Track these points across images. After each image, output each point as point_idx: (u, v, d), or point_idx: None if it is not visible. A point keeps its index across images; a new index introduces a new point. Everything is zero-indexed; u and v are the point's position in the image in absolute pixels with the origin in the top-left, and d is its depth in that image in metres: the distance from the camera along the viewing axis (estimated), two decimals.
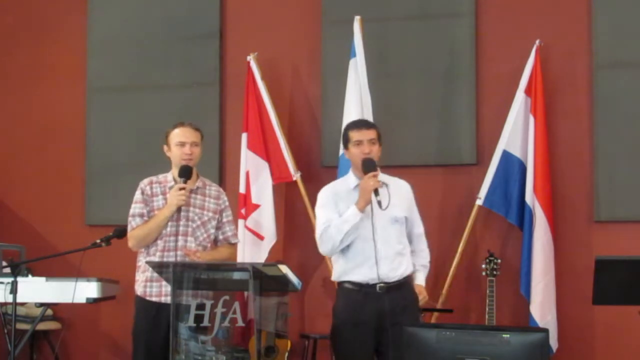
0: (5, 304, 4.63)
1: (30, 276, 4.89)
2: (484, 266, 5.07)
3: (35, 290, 4.79)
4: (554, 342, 4.98)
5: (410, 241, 4.14)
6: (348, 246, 3.99)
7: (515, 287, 5.11)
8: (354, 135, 4.05)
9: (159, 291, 4.19)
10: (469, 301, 5.36)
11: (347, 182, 4.12)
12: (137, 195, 4.29)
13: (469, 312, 5.35)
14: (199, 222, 4.26)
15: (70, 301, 4.66)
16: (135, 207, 4.27)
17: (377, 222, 3.95)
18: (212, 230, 4.31)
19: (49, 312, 5.65)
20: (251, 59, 5.62)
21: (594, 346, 5.17)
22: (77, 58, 6.24)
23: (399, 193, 4.06)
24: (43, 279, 4.84)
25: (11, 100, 6.40)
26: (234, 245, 4.46)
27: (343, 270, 4.05)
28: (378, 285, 3.93)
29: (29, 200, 6.27)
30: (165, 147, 4.33)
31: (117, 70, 6.14)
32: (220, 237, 4.38)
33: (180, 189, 4.15)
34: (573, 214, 5.24)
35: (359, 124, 4.14)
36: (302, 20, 5.84)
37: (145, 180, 4.33)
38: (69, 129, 6.23)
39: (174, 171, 4.32)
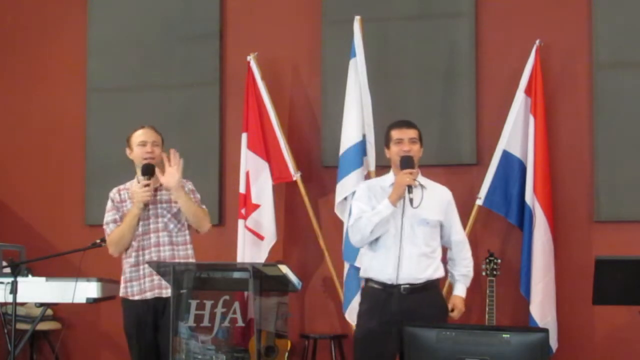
0: (5, 304, 4.64)
1: (30, 276, 4.89)
2: (484, 266, 5.06)
3: (35, 290, 4.79)
4: (554, 342, 4.98)
5: (450, 248, 4.15)
6: (376, 240, 4.01)
7: (515, 287, 5.11)
8: (395, 133, 4.09)
9: (140, 289, 4.27)
10: (469, 301, 5.33)
11: (385, 179, 4.17)
12: (108, 204, 4.38)
13: (469, 312, 5.33)
14: (169, 216, 4.31)
15: (70, 301, 4.66)
16: (108, 216, 4.36)
17: (407, 220, 3.96)
18: (184, 220, 4.35)
19: (49, 312, 5.65)
20: (251, 59, 5.61)
21: (594, 346, 5.17)
22: (77, 58, 6.24)
23: (434, 196, 4.07)
24: (43, 279, 4.84)
25: (11, 101, 6.40)
26: (204, 209, 4.40)
27: (369, 266, 4.07)
28: (402, 287, 3.93)
29: (29, 200, 6.28)
30: (127, 151, 4.40)
31: (117, 70, 6.14)
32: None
33: (144, 185, 4.21)
34: (573, 214, 5.23)
35: (401, 123, 4.17)
36: (302, 20, 5.84)
37: (114, 190, 4.42)
38: (69, 129, 6.23)
39: (139, 174, 4.35)
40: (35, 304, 4.94)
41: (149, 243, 4.27)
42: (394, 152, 4.08)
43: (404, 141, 4.06)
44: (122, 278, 4.33)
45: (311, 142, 5.75)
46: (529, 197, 5.05)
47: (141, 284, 4.25)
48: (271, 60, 5.77)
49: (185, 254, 4.33)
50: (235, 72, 5.85)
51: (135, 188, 4.26)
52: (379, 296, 3.99)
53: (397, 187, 3.92)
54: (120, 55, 6.14)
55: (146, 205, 4.25)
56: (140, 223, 4.27)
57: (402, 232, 3.95)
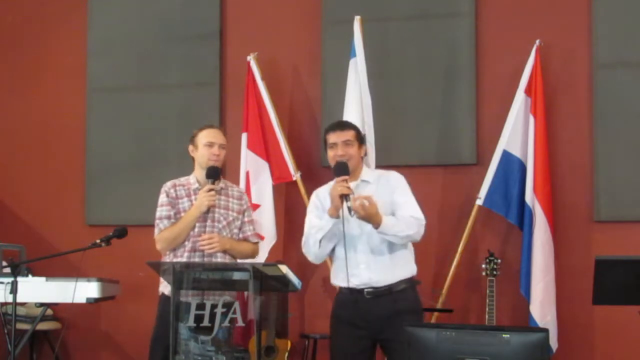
0: (5, 304, 4.64)
1: (30, 276, 4.90)
2: (484, 266, 5.06)
3: (35, 290, 4.80)
4: (554, 342, 4.98)
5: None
6: (333, 250, 3.98)
7: (515, 287, 5.11)
8: (329, 137, 4.00)
9: (187, 291, 4.21)
10: (469, 301, 5.36)
11: (332, 185, 4.05)
12: (163, 198, 4.32)
13: (469, 312, 5.35)
14: (224, 223, 4.30)
15: (70, 301, 4.66)
16: (162, 210, 4.30)
17: (350, 228, 3.86)
18: (236, 230, 4.36)
19: (49, 312, 5.65)
20: (251, 59, 5.62)
21: (594, 346, 5.17)
22: (77, 58, 6.24)
23: (379, 188, 3.95)
24: (43, 279, 4.85)
25: (11, 100, 6.40)
26: (255, 244, 4.47)
27: (332, 275, 4.06)
28: (365, 291, 3.88)
29: (29, 200, 6.28)
30: (190, 147, 4.36)
31: (117, 70, 6.14)
32: (240, 236, 4.41)
33: (210, 189, 4.19)
34: (573, 214, 5.23)
35: (335, 126, 4.06)
36: (302, 20, 5.84)
37: (169, 183, 4.37)
38: (69, 129, 6.23)
39: (197, 172, 4.36)
40: (35, 304, 4.94)
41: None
42: (330, 158, 3.98)
43: (337, 145, 3.95)
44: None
45: (311, 142, 5.75)
46: (529, 197, 5.05)
47: None
48: (271, 60, 5.77)
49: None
50: (235, 72, 5.84)
51: (201, 192, 4.21)
52: (346, 301, 3.94)
53: (332, 199, 3.81)
54: (120, 55, 6.14)
55: (207, 209, 4.22)
56: (197, 224, 4.24)
57: (350, 239, 3.85)
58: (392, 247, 3.92)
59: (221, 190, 4.33)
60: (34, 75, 6.36)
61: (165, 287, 4.26)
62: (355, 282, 3.89)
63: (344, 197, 3.75)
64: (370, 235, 3.88)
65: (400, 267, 3.94)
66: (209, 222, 4.27)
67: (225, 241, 4.26)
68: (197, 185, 4.34)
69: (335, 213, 3.82)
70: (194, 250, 4.24)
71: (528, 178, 5.08)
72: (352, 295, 3.91)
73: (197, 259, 4.21)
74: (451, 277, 5.18)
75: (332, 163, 3.96)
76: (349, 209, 3.73)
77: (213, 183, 4.24)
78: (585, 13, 5.29)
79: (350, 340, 3.91)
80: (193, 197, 4.29)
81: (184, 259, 4.22)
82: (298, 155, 5.60)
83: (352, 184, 3.86)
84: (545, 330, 3.26)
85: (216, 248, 4.21)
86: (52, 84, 6.32)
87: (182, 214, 4.27)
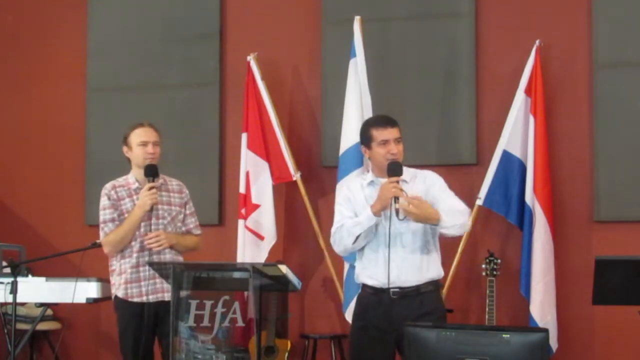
0: (5, 304, 4.64)
1: (30, 276, 4.90)
2: (484, 266, 5.07)
3: (35, 290, 4.80)
4: (554, 342, 4.98)
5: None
6: (363, 248, 3.86)
7: (515, 287, 5.11)
8: (379, 134, 3.83)
9: (140, 291, 4.25)
10: (469, 301, 5.36)
11: (365, 177, 4.01)
12: (104, 201, 4.32)
13: (469, 312, 5.35)
14: (169, 218, 4.32)
15: (70, 301, 4.67)
16: (105, 214, 4.31)
17: (394, 228, 3.76)
18: (179, 224, 4.38)
19: (49, 312, 5.65)
20: (251, 59, 5.61)
21: (594, 346, 5.17)
22: (77, 58, 6.24)
23: (415, 188, 3.84)
24: (43, 279, 4.85)
25: (11, 100, 6.40)
26: (198, 236, 4.48)
27: (359, 272, 3.94)
28: (391, 290, 3.77)
29: (29, 200, 6.28)
30: (125, 149, 4.37)
31: (117, 70, 6.14)
32: (183, 229, 4.42)
33: (151, 187, 4.19)
34: (573, 214, 5.23)
35: (384, 122, 3.89)
36: (302, 20, 5.84)
37: (108, 185, 4.37)
38: (69, 129, 6.23)
39: (135, 171, 4.36)
40: (35, 304, 4.95)
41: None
42: (380, 155, 3.82)
43: (390, 142, 3.82)
44: (119, 279, 4.28)
45: (311, 142, 5.75)
46: (529, 197, 5.05)
47: (141, 287, 4.23)
48: (271, 60, 5.77)
49: (179, 258, 4.35)
50: (235, 72, 5.84)
51: (142, 191, 4.21)
52: (370, 300, 3.85)
53: (381, 199, 3.70)
54: (120, 55, 6.14)
55: (151, 208, 4.23)
56: (142, 223, 4.25)
57: (390, 239, 3.76)
58: (423, 248, 3.83)
59: (161, 186, 4.33)
60: (33, 75, 6.36)
61: (117, 289, 4.29)
62: (383, 281, 3.80)
63: (394, 198, 3.67)
64: (404, 235, 3.79)
65: (429, 269, 3.85)
66: (153, 220, 4.26)
67: (172, 237, 4.28)
68: (137, 184, 4.33)
69: (379, 212, 3.72)
70: (142, 250, 4.24)
71: (528, 178, 5.08)
72: (377, 295, 3.82)
73: (146, 258, 4.21)
74: (451, 277, 5.17)
75: (381, 160, 3.82)
76: (397, 212, 3.66)
77: (153, 181, 4.23)
78: (585, 13, 5.29)
79: (372, 341, 3.83)
80: (135, 197, 4.29)
81: (134, 260, 4.23)
82: (298, 155, 5.60)
83: None
84: (545, 330, 3.26)
85: (164, 245, 4.22)
86: (52, 84, 6.31)
87: (126, 215, 4.26)
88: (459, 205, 3.88)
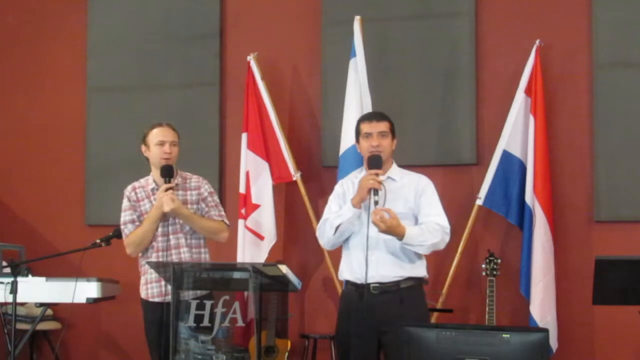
0: (5, 304, 4.64)
1: (30, 276, 4.89)
2: (484, 266, 5.07)
3: (35, 290, 4.80)
4: (554, 342, 4.98)
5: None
6: (347, 242, 3.94)
7: (515, 287, 5.11)
8: (364, 127, 3.96)
9: (160, 291, 4.27)
10: (469, 301, 5.36)
11: (357, 174, 4.08)
12: (125, 203, 4.36)
13: (469, 312, 5.35)
14: None
15: (70, 301, 4.67)
16: (125, 215, 4.34)
17: (366, 222, 3.81)
18: None
19: (49, 312, 5.65)
20: (251, 59, 5.62)
21: (594, 346, 5.17)
22: (77, 58, 6.24)
23: (403, 187, 3.92)
24: (43, 279, 4.85)
25: (11, 100, 6.40)
26: (220, 222, 4.39)
27: (342, 268, 4.02)
28: (372, 286, 3.83)
29: (29, 200, 6.28)
30: (143, 148, 4.38)
31: (117, 70, 6.14)
32: None
33: (167, 189, 4.19)
34: (573, 214, 5.23)
35: (370, 116, 4.04)
36: (302, 20, 5.84)
37: (129, 187, 4.40)
38: (69, 129, 6.23)
39: (154, 172, 4.37)
40: (35, 304, 4.95)
41: (169, 244, 4.25)
42: (364, 148, 3.94)
43: (372, 135, 3.91)
44: (142, 279, 4.33)
45: (311, 142, 5.75)
46: (529, 197, 5.05)
47: (162, 286, 4.23)
48: (271, 60, 5.77)
49: (199, 257, 4.33)
50: (235, 72, 5.85)
51: (159, 192, 4.21)
52: (353, 297, 3.90)
53: (360, 190, 3.78)
54: (120, 55, 6.14)
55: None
56: (160, 224, 4.26)
57: (369, 232, 3.78)
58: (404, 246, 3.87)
59: (177, 186, 4.33)
60: (33, 76, 6.36)
61: (141, 289, 4.32)
62: (362, 276, 3.82)
63: (373, 190, 3.73)
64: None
65: (410, 265, 3.89)
66: (170, 220, 4.28)
67: (186, 210, 4.23)
68: (153, 185, 4.35)
69: (358, 204, 3.80)
70: (162, 250, 4.25)
71: (528, 178, 5.08)
72: (358, 291, 3.88)
73: (167, 259, 4.21)
74: (451, 277, 5.18)
75: (364, 154, 3.93)
76: (376, 203, 3.71)
77: (169, 181, 4.23)
78: (585, 13, 5.29)
79: (355, 336, 3.86)
80: (152, 198, 4.31)
81: (153, 259, 4.24)
82: (298, 155, 5.60)
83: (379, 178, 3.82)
84: (545, 330, 3.26)
85: (175, 202, 4.15)
86: (52, 84, 6.32)
87: (145, 216, 4.29)
88: (440, 220, 3.91)
